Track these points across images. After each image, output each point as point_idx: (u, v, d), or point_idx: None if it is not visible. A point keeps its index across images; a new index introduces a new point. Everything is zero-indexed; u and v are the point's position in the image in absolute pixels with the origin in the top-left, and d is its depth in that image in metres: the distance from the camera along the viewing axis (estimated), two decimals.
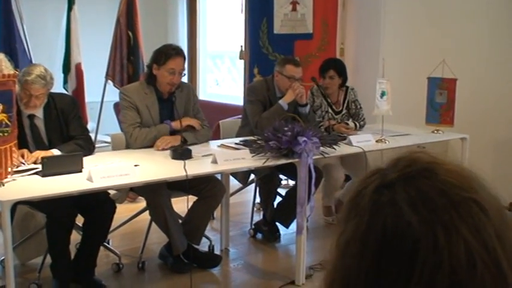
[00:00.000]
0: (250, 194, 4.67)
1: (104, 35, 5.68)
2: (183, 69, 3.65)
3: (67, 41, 5.04)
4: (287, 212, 4.20)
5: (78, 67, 5.09)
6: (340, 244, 0.74)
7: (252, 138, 3.71)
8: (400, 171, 0.73)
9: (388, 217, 0.70)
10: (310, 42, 5.88)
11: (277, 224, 4.29)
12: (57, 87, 4.92)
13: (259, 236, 4.33)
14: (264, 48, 5.79)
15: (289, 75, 4.13)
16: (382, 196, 0.72)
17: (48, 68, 3.29)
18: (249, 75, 5.80)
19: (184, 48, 8.10)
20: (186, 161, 3.14)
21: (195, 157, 3.32)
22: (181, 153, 3.25)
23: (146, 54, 5.56)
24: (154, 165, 3.15)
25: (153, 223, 3.61)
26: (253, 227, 4.37)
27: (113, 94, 5.77)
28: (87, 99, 5.32)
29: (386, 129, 4.08)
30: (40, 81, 3.14)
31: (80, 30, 5.11)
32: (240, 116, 4.59)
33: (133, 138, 3.56)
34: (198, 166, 3.13)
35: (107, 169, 2.76)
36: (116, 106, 6.60)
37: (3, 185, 2.59)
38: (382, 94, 4.08)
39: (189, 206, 3.56)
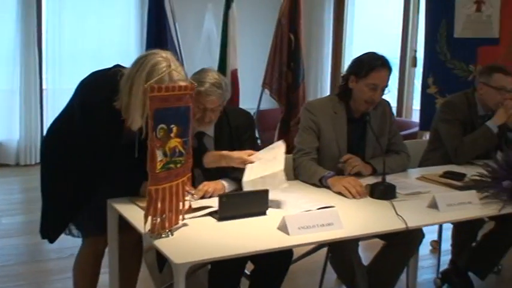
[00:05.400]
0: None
1: (262, 38, 5.09)
2: (387, 85, 2.92)
3: (223, 43, 4.45)
4: (484, 260, 3.38)
5: (234, 73, 4.49)
6: None
7: (468, 172, 2.92)
8: None
9: None
10: (495, 49, 4.95)
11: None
12: None
13: (444, 286, 3.52)
14: (442, 54, 4.93)
15: (499, 86, 3.37)
16: None
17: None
18: (422, 85, 4.97)
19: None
20: (393, 202, 2.41)
21: (399, 196, 2.58)
22: (384, 190, 2.52)
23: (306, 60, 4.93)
24: (354, 207, 2.43)
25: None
26: (439, 275, 3.56)
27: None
28: None
29: None
30: (216, 91, 2.53)
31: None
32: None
33: (294, 166, 2.94)
34: (412, 213, 2.35)
35: (304, 217, 2.07)
36: (259, 115, 5.92)
37: (172, 235, 1.96)
38: None
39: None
